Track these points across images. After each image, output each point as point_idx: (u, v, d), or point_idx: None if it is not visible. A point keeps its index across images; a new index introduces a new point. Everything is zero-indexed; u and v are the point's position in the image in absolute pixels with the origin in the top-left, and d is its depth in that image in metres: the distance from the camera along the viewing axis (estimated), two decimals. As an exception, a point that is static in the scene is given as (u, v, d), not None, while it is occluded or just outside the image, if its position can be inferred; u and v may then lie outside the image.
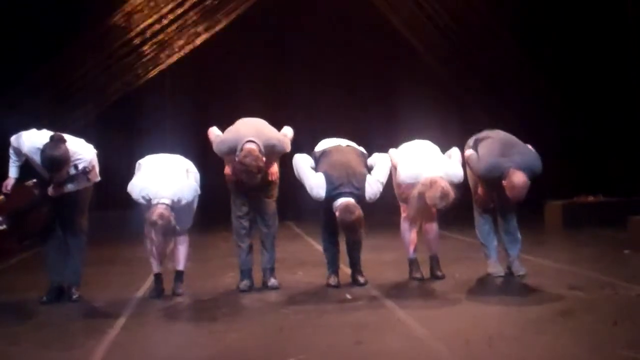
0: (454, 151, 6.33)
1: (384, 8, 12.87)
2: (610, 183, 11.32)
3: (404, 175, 6.09)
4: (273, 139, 6.02)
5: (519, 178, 5.85)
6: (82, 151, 5.83)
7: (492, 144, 6.21)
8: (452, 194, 5.71)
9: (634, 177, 11.36)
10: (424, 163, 6.04)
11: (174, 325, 5.34)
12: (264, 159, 5.78)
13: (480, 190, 6.39)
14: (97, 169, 5.99)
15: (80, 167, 5.74)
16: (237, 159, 5.79)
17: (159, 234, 5.55)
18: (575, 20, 12.64)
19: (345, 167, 5.95)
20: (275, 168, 6.26)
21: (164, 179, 5.85)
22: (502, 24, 12.81)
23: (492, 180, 6.08)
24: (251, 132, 5.94)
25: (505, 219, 6.41)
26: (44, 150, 5.57)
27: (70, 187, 5.82)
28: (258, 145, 5.82)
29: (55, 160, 5.57)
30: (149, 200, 5.75)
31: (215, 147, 6.07)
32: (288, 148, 6.11)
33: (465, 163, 6.28)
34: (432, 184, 5.74)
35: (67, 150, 5.61)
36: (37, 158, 5.68)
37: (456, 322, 4.87)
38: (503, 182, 5.92)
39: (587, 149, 12.46)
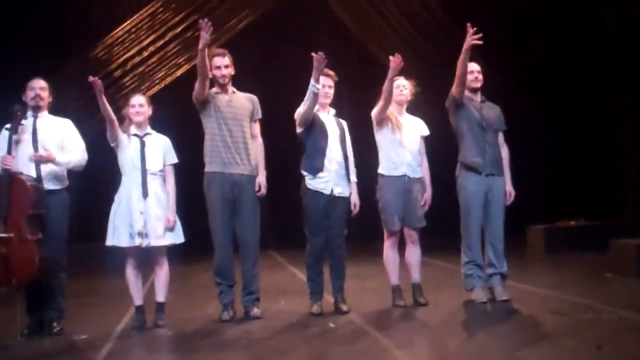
0: None
1: (367, 40, 13.00)
2: (591, 207, 11.38)
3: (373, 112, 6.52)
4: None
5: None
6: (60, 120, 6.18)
7: None
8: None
9: (614, 201, 11.44)
10: None
11: (157, 357, 5.30)
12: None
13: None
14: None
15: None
16: None
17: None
18: (552, 36, 12.76)
19: None
20: (263, 181, 6.24)
21: None
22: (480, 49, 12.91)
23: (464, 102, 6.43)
24: None
25: (495, 249, 6.42)
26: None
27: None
28: None
29: (39, 78, 6.13)
30: None
31: None
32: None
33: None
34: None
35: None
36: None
37: (440, 349, 4.86)
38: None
39: (568, 173, 12.53)
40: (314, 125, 6.29)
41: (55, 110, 6.20)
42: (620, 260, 7.65)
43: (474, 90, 6.54)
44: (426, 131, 6.65)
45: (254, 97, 6.48)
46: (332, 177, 6.25)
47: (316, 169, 6.24)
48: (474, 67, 6.55)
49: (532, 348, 4.66)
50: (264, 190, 6.24)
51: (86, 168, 6.23)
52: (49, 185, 5.90)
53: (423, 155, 6.61)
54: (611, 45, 11.45)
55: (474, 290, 6.42)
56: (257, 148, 6.34)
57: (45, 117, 6.11)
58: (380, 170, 6.52)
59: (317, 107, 6.41)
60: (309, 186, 6.25)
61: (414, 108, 6.69)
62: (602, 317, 5.47)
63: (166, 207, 6.06)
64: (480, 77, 6.56)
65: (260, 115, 6.44)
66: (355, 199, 6.34)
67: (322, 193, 6.23)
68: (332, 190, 6.24)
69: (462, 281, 6.51)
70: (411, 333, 5.46)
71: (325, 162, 6.25)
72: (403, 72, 6.52)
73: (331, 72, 6.43)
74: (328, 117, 6.41)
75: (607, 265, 7.79)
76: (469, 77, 6.48)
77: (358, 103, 14.16)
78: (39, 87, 6.10)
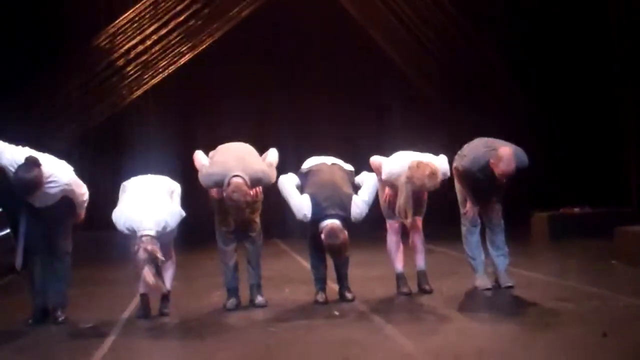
0: (442, 156, 6.35)
1: (370, 27, 12.95)
2: (596, 194, 11.36)
3: (389, 169, 6.15)
4: (259, 172, 5.97)
5: (505, 150, 5.94)
6: (58, 173, 5.76)
7: (476, 143, 6.34)
8: (439, 173, 5.86)
9: (619, 188, 11.41)
10: (409, 156, 6.11)
11: (162, 345, 5.30)
12: (251, 192, 5.80)
13: (468, 205, 6.38)
14: (79, 190, 5.96)
15: (53, 191, 5.70)
16: (224, 194, 5.77)
17: (146, 263, 5.53)
18: (558, 34, 12.74)
19: (331, 188, 5.99)
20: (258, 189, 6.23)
21: (148, 206, 5.75)
22: (485, 39, 12.89)
23: (479, 174, 6.10)
24: (237, 165, 5.87)
25: (493, 232, 6.42)
26: (16, 172, 5.52)
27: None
28: (244, 179, 5.79)
29: (26, 184, 5.53)
30: (133, 232, 5.68)
31: (201, 179, 6.00)
32: (274, 179, 6.10)
33: (453, 174, 6.32)
34: (419, 165, 5.84)
35: (40, 174, 5.54)
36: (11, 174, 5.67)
37: (445, 337, 4.86)
38: (491, 162, 5.96)
39: (572, 160, 12.50)
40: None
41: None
42: (625, 247, 7.62)
43: None
44: (447, 173, 6.19)
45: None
46: None
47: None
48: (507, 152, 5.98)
49: (537, 335, 4.66)
50: (259, 198, 6.21)
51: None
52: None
53: None
54: (616, 33, 11.40)
55: (477, 277, 6.42)
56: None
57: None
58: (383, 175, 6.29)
59: None
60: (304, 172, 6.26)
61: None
62: (607, 304, 5.46)
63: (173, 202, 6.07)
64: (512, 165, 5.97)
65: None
66: None
67: None
68: None
69: (468, 264, 6.51)
70: (416, 320, 5.45)
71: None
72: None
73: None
74: None
75: (612, 253, 7.77)
76: (500, 165, 5.95)
77: (359, 91, 14.24)
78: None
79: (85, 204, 6.04)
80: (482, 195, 6.29)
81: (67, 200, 5.91)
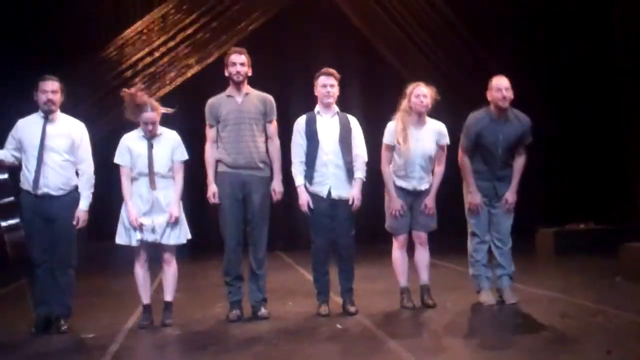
0: None
1: (376, 41, 13.01)
2: (601, 210, 11.33)
3: (387, 131, 6.38)
4: None
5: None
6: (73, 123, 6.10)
7: None
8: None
9: (625, 205, 11.38)
10: None
11: (164, 356, 5.31)
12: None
13: (470, 197, 6.36)
14: (88, 154, 6.15)
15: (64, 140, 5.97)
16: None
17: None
18: (560, 43, 12.75)
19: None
20: (280, 187, 6.24)
21: None
22: (484, 43, 12.91)
23: (481, 127, 6.25)
24: None
25: (499, 250, 6.39)
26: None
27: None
28: None
29: (51, 78, 5.94)
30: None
31: None
32: None
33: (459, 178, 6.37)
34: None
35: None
36: (27, 136, 5.91)
37: (448, 352, 4.85)
38: (488, 99, 6.24)
39: (577, 176, 12.49)
40: (307, 136, 6.29)
41: (65, 109, 6.18)
42: (630, 264, 7.60)
43: (501, 109, 6.27)
44: (445, 140, 6.41)
45: (268, 97, 6.41)
46: (330, 181, 6.23)
47: (310, 177, 6.25)
48: (502, 83, 6.22)
49: (541, 352, 4.65)
50: (279, 196, 6.24)
51: (96, 167, 6.23)
52: (58, 192, 5.90)
53: (439, 163, 6.42)
54: (620, 46, 11.39)
55: (482, 293, 6.40)
56: (272, 149, 6.31)
57: (57, 120, 6.02)
58: (385, 139, 6.42)
59: (317, 109, 6.37)
60: (308, 189, 6.26)
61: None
62: (611, 321, 5.45)
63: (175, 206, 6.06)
64: (509, 94, 6.20)
65: (274, 116, 6.38)
66: (355, 194, 6.22)
67: (320, 196, 6.23)
68: (330, 193, 6.22)
69: (472, 281, 6.49)
70: (419, 335, 5.45)
71: (319, 169, 6.23)
72: (420, 78, 6.46)
73: (332, 70, 6.35)
74: (327, 120, 6.34)
75: (617, 269, 7.75)
76: (497, 94, 6.20)
77: (365, 103, 14.23)
78: (52, 90, 5.93)
79: (91, 192, 6.07)
80: (488, 165, 6.36)
81: (72, 200, 5.97)
